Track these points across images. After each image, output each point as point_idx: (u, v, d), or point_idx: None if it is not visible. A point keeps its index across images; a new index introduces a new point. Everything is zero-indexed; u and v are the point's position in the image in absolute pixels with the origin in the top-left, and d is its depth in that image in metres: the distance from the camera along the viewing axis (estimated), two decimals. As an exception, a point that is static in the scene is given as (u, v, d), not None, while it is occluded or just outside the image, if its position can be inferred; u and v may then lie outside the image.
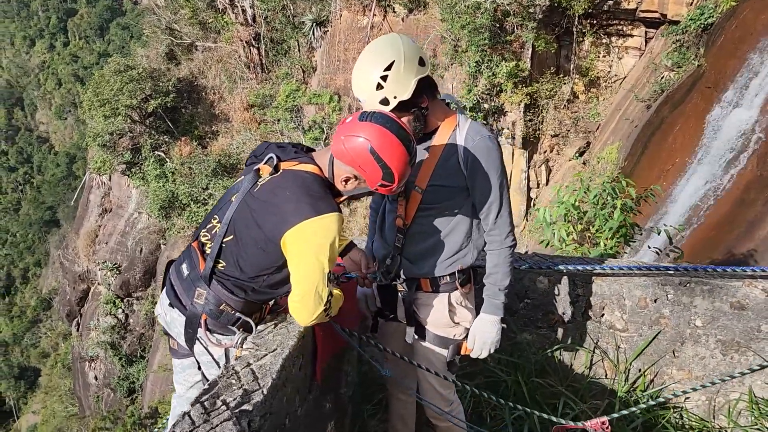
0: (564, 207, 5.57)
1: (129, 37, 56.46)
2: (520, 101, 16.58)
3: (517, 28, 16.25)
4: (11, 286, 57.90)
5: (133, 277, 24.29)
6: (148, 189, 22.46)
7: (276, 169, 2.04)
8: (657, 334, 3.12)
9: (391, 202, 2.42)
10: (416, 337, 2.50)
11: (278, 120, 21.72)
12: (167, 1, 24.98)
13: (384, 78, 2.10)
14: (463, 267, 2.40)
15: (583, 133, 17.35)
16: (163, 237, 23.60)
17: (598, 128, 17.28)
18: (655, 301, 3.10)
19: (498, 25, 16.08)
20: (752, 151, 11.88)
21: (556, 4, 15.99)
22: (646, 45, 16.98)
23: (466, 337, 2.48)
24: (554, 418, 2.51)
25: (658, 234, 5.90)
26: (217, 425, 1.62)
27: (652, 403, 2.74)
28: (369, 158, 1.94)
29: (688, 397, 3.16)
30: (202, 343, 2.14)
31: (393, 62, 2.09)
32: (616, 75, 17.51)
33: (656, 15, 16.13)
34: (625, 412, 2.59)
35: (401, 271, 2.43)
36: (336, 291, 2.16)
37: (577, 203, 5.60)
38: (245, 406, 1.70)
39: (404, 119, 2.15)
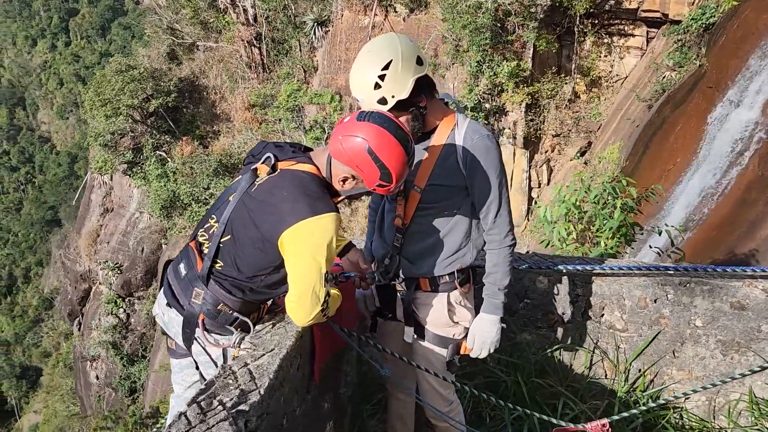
0: (565, 206, 5.55)
1: (130, 36, 56.48)
2: (522, 101, 16.56)
3: (519, 28, 16.23)
4: (13, 286, 58.05)
5: (134, 277, 24.32)
6: (149, 189, 22.51)
7: (273, 168, 2.03)
8: (657, 335, 3.11)
9: (390, 202, 2.42)
10: (415, 336, 2.49)
11: (279, 120, 21.73)
12: (169, 1, 24.98)
13: (382, 77, 2.09)
14: (463, 266, 2.40)
15: (585, 132, 17.32)
16: (164, 237, 23.64)
17: (599, 128, 17.25)
18: (655, 301, 3.09)
19: (499, 24, 16.07)
20: (754, 151, 11.85)
21: (557, 4, 15.95)
22: (647, 45, 16.94)
23: (466, 336, 2.47)
24: (554, 420, 2.50)
25: (659, 234, 5.89)
26: (213, 425, 1.61)
27: (652, 404, 2.73)
28: (367, 158, 1.93)
29: (688, 398, 3.14)
30: (199, 343, 2.13)
31: (391, 61, 2.09)
32: (617, 75, 17.48)
33: (658, 15, 16.10)
34: (625, 414, 2.57)
35: (400, 271, 2.42)
36: (334, 291, 2.16)
37: (578, 203, 5.59)
38: (242, 406, 1.69)
39: (402, 119, 2.15)
